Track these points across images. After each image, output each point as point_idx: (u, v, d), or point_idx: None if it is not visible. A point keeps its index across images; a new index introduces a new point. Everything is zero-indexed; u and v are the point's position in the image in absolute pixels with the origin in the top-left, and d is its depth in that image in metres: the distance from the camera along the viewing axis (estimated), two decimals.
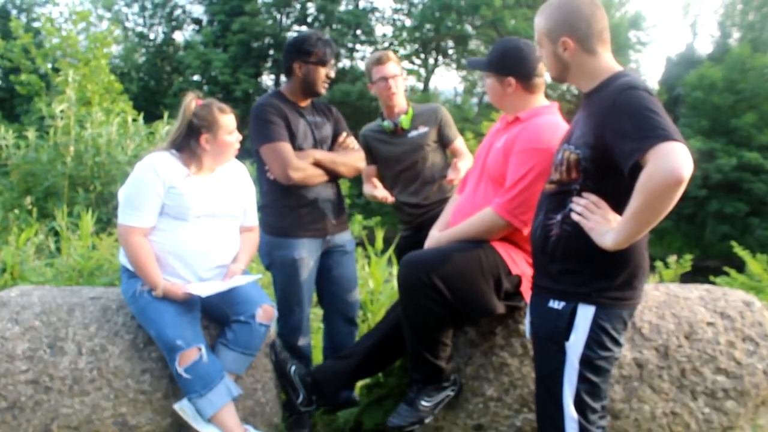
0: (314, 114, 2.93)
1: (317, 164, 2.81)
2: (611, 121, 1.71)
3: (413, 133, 3.07)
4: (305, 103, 2.91)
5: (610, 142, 1.71)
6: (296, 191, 2.80)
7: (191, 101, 2.51)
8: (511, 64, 2.34)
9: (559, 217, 1.90)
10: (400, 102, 3.06)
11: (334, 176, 2.91)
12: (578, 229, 1.83)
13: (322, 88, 2.86)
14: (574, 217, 1.84)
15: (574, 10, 1.86)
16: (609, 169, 1.76)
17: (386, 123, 3.08)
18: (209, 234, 2.51)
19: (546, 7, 1.93)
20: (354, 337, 3.07)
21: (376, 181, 3.11)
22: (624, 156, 1.67)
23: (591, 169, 1.81)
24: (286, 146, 2.75)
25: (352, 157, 2.94)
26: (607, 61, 1.89)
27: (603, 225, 1.77)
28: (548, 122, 2.32)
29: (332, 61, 2.87)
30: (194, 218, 2.48)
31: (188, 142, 2.51)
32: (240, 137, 2.61)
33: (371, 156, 3.18)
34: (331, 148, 2.95)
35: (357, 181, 3.27)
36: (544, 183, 2.17)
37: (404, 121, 3.05)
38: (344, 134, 2.98)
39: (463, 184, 2.68)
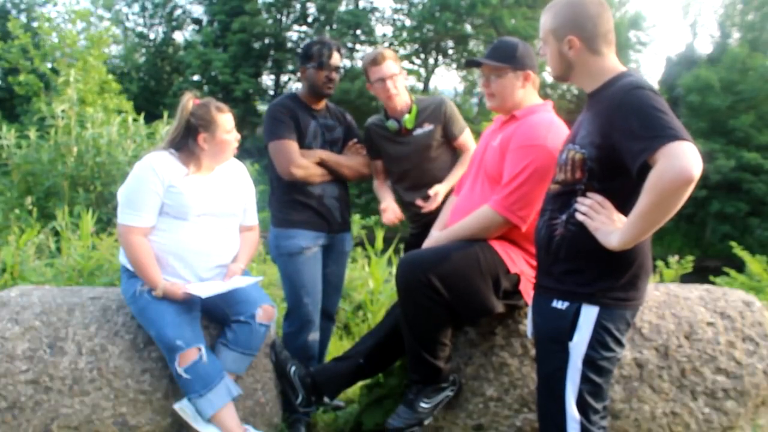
0: (327, 117, 3.04)
1: (321, 164, 2.92)
2: (618, 120, 1.71)
3: (418, 132, 2.99)
4: (319, 106, 3.01)
5: (618, 141, 1.71)
6: (302, 187, 2.90)
7: (188, 100, 2.52)
8: (528, 59, 2.41)
9: (563, 217, 1.89)
10: (402, 101, 2.98)
11: (337, 177, 2.99)
12: (583, 229, 1.82)
13: (326, 89, 2.94)
14: (579, 217, 1.84)
15: (581, 10, 1.87)
16: (614, 169, 1.75)
17: (390, 123, 3.01)
18: (209, 233, 2.51)
19: (553, 5, 1.93)
20: (330, 332, 3.24)
21: (395, 205, 2.99)
22: (632, 156, 1.66)
23: (596, 169, 1.81)
24: (291, 144, 2.86)
25: (357, 161, 3.04)
26: (611, 62, 1.90)
27: (608, 225, 1.77)
28: (544, 119, 2.33)
29: (331, 62, 2.91)
30: (194, 217, 2.48)
31: (186, 142, 2.51)
32: (239, 136, 2.62)
33: (375, 151, 3.13)
34: (340, 152, 3.04)
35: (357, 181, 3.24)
36: (541, 179, 2.17)
37: (408, 121, 2.97)
38: (355, 140, 3.09)
39: (460, 185, 2.68)
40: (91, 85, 10.04)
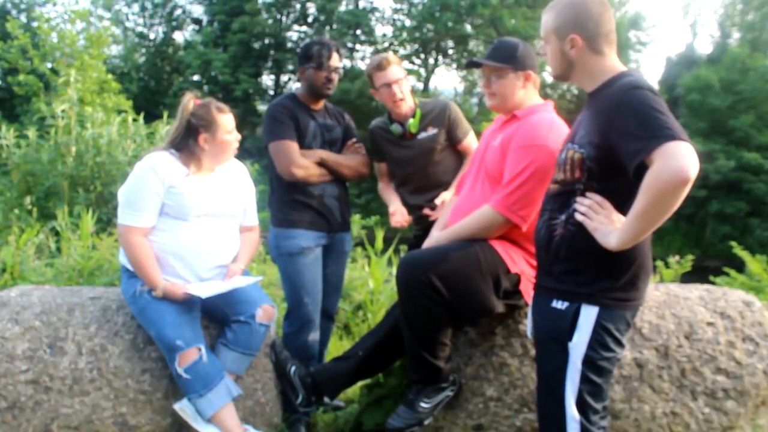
0: (326, 117, 3.05)
1: (321, 164, 2.93)
2: (616, 120, 1.71)
3: (422, 135, 2.99)
4: (317, 106, 3.02)
5: (615, 141, 1.71)
6: (302, 187, 2.91)
7: (189, 101, 2.52)
8: (528, 59, 2.40)
9: (563, 216, 1.89)
10: (407, 105, 2.98)
11: (337, 177, 3.00)
12: (582, 229, 1.82)
13: (325, 89, 2.95)
14: (578, 217, 1.83)
15: (584, 9, 1.87)
16: (613, 169, 1.75)
17: (394, 127, 3.01)
18: (209, 234, 2.51)
19: (555, 4, 1.92)
20: (330, 332, 3.25)
21: (402, 208, 3.01)
22: (629, 155, 1.66)
23: (595, 169, 1.81)
24: (291, 144, 2.87)
25: (356, 160, 3.05)
26: (612, 62, 1.90)
27: (607, 225, 1.77)
28: (544, 119, 2.34)
29: (330, 63, 2.92)
30: (194, 218, 2.48)
31: (187, 142, 2.51)
32: (239, 136, 2.62)
33: (379, 153, 3.15)
34: (339, 151, 3.05)
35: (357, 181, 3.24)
36: (541, 179, 2.17)
37: (412, 125, 2.97)
38: (354, 139, 3.10)
39: (461, 185, 2.68)
40: (90, 84, 10.04)
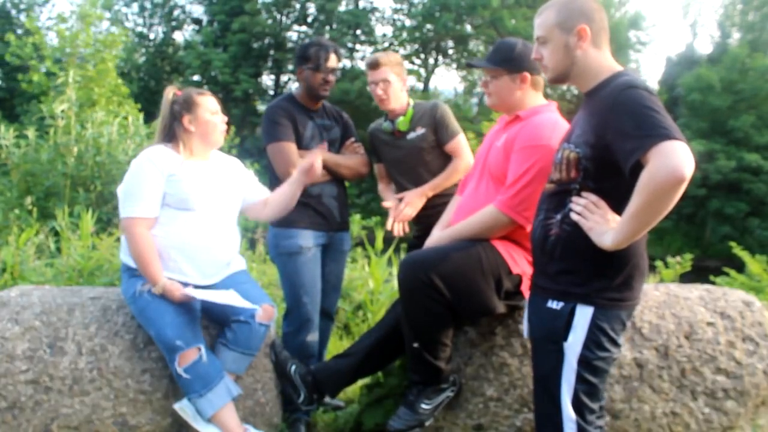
0: (324, 117, 3.06)
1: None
2: (612, 119, 1.71)
3: (411, 135, 3.01)
4: (316, 107, 3.04)
5: (611, 141, 1.71)
6: None
7: (170, 92, 2.58)
8: (525, 60, 2.38)
9: (558, 216, 1.89)
10: (395, 105, 2.99)
11: (336, 177, 3.01)
12: (578, 228, 1.82)
13: (322, 91, 2.97)
14: (574, 216, 1.83)
15: (585, 3, 1.88)
16: (609, 169, 1.75)
17: (386, 124, 3.05)
18: (210, 226, 2.51)
19: (553, 4, 1.91)
20: (329, 331, 3.26)
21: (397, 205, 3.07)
22: (625, 155, 1.67)
23: (591, 168, 1.81)
24: (290, 146, 2.89)
25: (355, 160, 3.07)
26: (608, 60, 1.90)
27: (602, 225, 1.77)
28: (548, 120, 2.34)
29: (329, 65, 2.94)
30: (195, 204, 2.47)
31: (173, 129, 2.53)
32: (226, 119, 2.64)
33: (377, 155, 3.19)
34: (338, 151, 3.06)
35: (356, 181, 3.26)
36: (545, 180, 2.17)
37: (401, 123, 2.99)
38: (352, 139, 3.11)
39: (464, 185, 2.69)
40: (106, 89, 10.07)
